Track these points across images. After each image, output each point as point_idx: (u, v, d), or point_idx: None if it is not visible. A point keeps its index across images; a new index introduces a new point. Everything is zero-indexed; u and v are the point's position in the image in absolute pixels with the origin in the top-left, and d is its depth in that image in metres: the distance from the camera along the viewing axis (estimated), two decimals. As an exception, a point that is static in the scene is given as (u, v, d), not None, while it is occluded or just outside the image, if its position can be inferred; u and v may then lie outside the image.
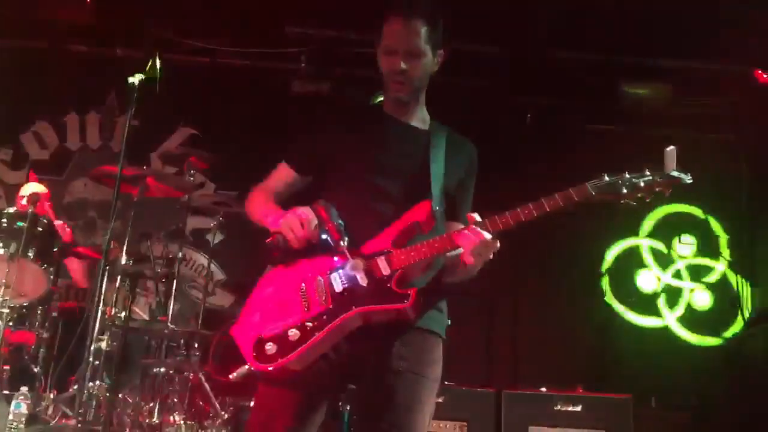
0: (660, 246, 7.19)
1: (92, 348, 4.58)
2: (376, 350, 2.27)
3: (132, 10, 6.30)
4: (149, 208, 6.43)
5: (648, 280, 7.14)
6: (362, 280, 2.19)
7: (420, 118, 2.54)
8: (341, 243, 2.19)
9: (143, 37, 6.49)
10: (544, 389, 5.38)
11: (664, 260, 7.17)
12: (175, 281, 5.01)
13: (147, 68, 4.53)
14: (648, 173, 2.15)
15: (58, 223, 5.36)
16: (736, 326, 6.83)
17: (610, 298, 7.00)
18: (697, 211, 7.15)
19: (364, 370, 2.28)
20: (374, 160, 2.40)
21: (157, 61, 4.82)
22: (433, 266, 2.34)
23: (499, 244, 2.19)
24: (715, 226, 7.17)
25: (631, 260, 7.15)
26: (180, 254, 5.08)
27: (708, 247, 7.13)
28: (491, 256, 2.21)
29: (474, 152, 2.56)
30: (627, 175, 2.15)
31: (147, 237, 5.33)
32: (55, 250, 5.10)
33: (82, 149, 7.26)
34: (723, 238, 7.15)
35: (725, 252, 7.10)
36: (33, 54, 7.03)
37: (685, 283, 7.11)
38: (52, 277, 5.00)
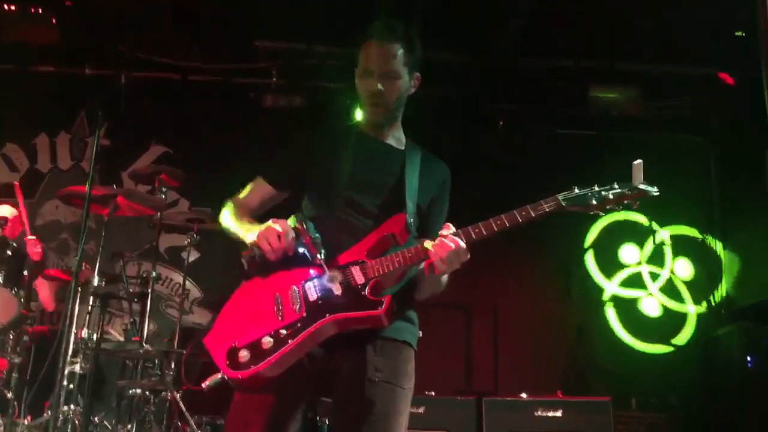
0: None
1: (66, 371, 4.53)
2: (352, 359, 2.29)
3: (99, 28, 6.25)
4: (121, 228, 6.41)
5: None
6: (337, 290, 2.23)
7: (396, 138, 2.60)
8: (318, 255, 2.24)
9: (111, 55, 6.47)
10: (524, 395, 5.40)
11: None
12: (149, 301, 4.96)
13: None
14: (617, 186, 2.23)
15: (30, 238, 5.26)
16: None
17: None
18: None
19: (340, 379, 2.31)
20: (350, 175, 2.44)
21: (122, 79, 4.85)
22: (407, 276, 2.37)
23: (469, 255, 2.23)
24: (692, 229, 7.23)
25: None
26: (154, 273, 5.03)
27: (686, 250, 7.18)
28: (459, 267, 2.24)
29: (447, 172, 2.61)
30: (596, 188, 2.24)
31: (119, 257, 5.28)
32: (25, 273, 5.03)
33: (53, 171, 7.19)
34: (698, 239, 7.20)
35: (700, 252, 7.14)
36: (1, 76, 6.97)
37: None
38: (22, 300, 4.92)
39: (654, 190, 2.22)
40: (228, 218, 2.51)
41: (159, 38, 6.46)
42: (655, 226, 7.17)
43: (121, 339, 5.54)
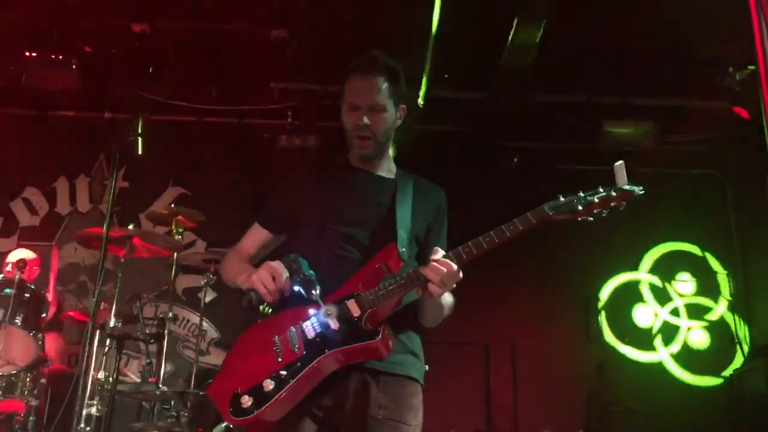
0: (658, 282, 7.16)
1: (83, 414, 4.52)
2: (354, 396, 2.27)
3: (118, 74, 6.38)
4: (139, 269, 6.45)
5: (645, 315, 7.08)
6: (334, 324, 2.22)
7: (386, 169, 2.61)
8: (313, 292, 2.24)
9: (130, 99, 6.58)
10: (545, 433, 5.31)
11: (662, 297, 7.13)
12: (165, 341, 4.96)
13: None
14: (601, 189, 2.19)
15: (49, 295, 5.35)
16: (735, 364, 6.77)
17: (607, 334, 6.92)
18: (694, 248, 7.14)
19: (343, 418, 2.27)
20: (341, 210, 2.45)
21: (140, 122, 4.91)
22: (402, 304, 2.36)
23: (461, 275, 2.22)
24: (713, 262, 7.15)
25: (629, 296, 7.10)
26: (170, 314, 5.04)
27: (707, 285, 7.09)
28: (454, 287, 2.24)
29: (442, 197, 2.60)
30: (581, 194, 2.20)
31: (137, 298, 5.30)
32: (43, 316, 5.05)
33: (73, 213, 7.27)
34: (722, 275, 7.11)
35: (725, 289, 7.06)
36: (21, 121, 7.12)
37: (683, 321, 7.05)
38: (40, 343, 4.94)
39: (639, 189, 2.18)
40: (227, 267, 2.54)
41: (175, 81, 6.56)
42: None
43: (138, 380, 5.54)
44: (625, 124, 6.39)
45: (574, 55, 6.09)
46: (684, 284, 7.13)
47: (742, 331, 6.86)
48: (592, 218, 2.20)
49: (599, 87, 6.49)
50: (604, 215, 2.20)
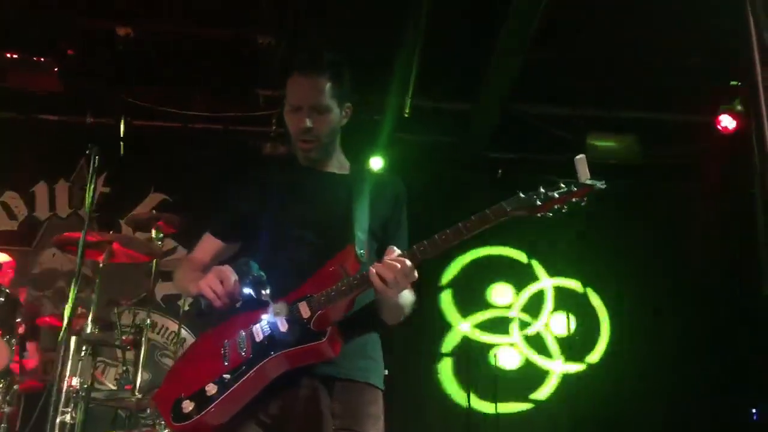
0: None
1: (57, 421, 4.43)
2: (306, 404, 2.18)
3: (100, 77, 6.31)
4: (118, 276, 6.36)
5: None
6: (282, 326, 2.15)
7: (338, 165, 2.53)
8: (263, 292, 2.16)
9: (112, 104, 6.52)
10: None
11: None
12: (143, 349, 4.88)
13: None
14: (562, 184, 2.12)
15: None
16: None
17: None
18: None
19: (293, 427, 2.18)
20: (293, 212, 2.37)
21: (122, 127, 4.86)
22: (357, 305, 2.27)
23: (416, 275, 2.14)
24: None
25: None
26: (148, 321, 4.96)
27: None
28: (407, 286, 2.16)
29: (399, 188, 2.52)
30: (541, 189, 2.12)
31: (115, 304, 5.22)
32: (18, 320, 4.95)
33: (52, 219, 7.18)
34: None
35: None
36: (1, 123, 7.01)
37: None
38: (14, 349, 4.84)
39: (600, 183, 2.09)
40: (178, 276, 2.47)
41: (160, 87, 6.51)
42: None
43: (114, 388, 5.44)
44: (609, 136, 6.42)
45: (560, 67, 6.11)
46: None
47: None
48: (551, 214, 2.12)
49: (583, 99, 6.52)
50: (564, 211, 2.12)
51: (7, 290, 4.96)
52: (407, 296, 2.31)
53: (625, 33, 5.60)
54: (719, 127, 6.20)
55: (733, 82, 5.93)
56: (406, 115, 6.56)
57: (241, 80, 6.50)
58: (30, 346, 5.50)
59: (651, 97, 6.36)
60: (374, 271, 2.11)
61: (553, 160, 6.78)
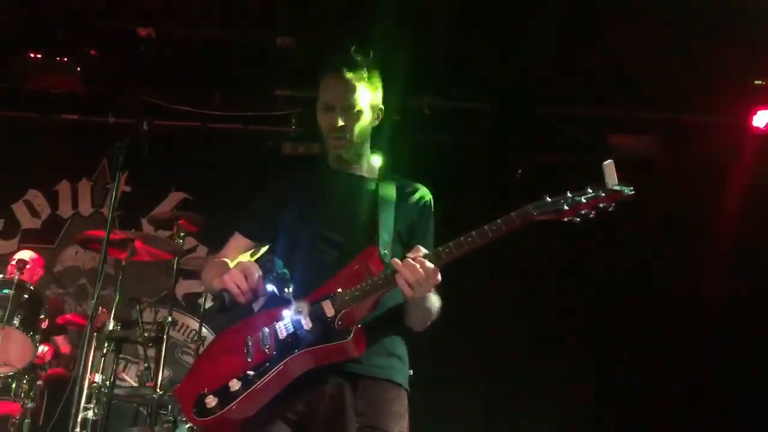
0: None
1: (79, 418, 4.48)
2: (330, 401, 2.19)
3: (122, 78, 6.37)
4: (139, 274, 6.42)
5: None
6: (306, 324, 2.15)
7: (368, 169, 2.56)
8: (286, 290, 2.16)
9: (134, 104, 6.57)
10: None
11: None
12: (164, 346, 4.92)
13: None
14: (590, 190, 2.10)
15: None
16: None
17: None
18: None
19: (318, 424, 2.19)
20: (321, 212, 2.39)
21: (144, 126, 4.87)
22: (383, 306, 2.28)
23: (439, 277, 2.13)
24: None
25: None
26: (169, 319, 5.00)
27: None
28: (431, 287, 2.15)
29: (427, 196, 2.53)
30: (569, 194, 2.10)
31: (136, 302, 5.27)
32: (41, 317, 5.02)
33: (74, 217, 7.26)
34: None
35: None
36: (25, 124, 7.11)
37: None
38: (38, 345, 4.90)
39: (629, 190, 2.07)
40: (205, 274, 2.48)
41: (180, 87, 6.56)
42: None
43: (136, 385, 5.50)
44: (630, 136, 6.37)
45: (580, 67, 6.08)
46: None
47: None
48: (578, 219, 2.11)
49: (605, 99, 6.47)
50: (591, 216, 2.10)
51: (32, 287, 5.02)
52: (434, 301, 2.31)
53: (650, 31, 5.55)
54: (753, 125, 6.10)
55: (758, 81, 5.87)
56: (426, 115, 6.55)
57: (260, 80, 6.53)
58: (60, 338, 5.59)
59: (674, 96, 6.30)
60: (398, 267, 2.11)
61: (574, 160, 6.74)
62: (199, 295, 5.92)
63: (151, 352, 5.26)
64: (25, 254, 5.57)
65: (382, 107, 2.50)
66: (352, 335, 2.12)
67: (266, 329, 2.20)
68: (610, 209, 2.09)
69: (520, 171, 7.06)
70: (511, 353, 6.56)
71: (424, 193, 2.54)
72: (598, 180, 2.11)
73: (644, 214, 6.03)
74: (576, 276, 6.56)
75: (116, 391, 4.63)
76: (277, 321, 2.20)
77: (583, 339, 6.52)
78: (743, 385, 6.29)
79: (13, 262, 5.36)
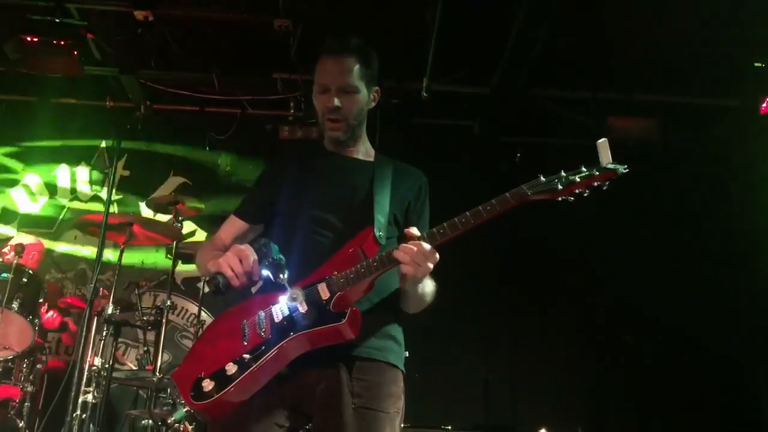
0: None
1: (78, 401, 4.51)
2: (326, 383, 2.20)
3: (120, 61, 6.34)
4: (138, 257, 6.44)
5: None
6: (302, 307, 2.16)
7: (362, 152, 2.56)
8: (280, 276, 2.16)
9: (132, 88, 6.55)
10: (543, 431, 5.28)
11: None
12: (163, 330, 4.94)
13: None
14: (584, 168, 2.11)
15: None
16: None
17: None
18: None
19: (315, 406, 2.21)
20: (314, 194, 2.40)
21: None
22: (378, 288, 2.28)
23: (438, 256, 2.14)
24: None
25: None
26: (169, 302, 5.02)
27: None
28: (431, 268, 2.15)
29: (422, 179, 2.55)
30: (563, 173, 2.11)
31: (135, 286, 5.28)
32: (41, 301, 5.03)
33: (73, 201, 7.24)
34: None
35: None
36: (23, 107, 7.09)
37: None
38: (37, 329, 4.92)
39: (623, 168, 2.09)
40: (200, 257, 2.48)
41: (178, 70, 6.53)
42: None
43: (135, 368, 5.52)
44: (630, 120, 6.34)
45: (579, 51, 6.05)
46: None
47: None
48: (572, 198, 2.11)
49: (603, 83, 6.44)
50: (585, 195, 2.11)
51: (31, 271, 5.02)
52: (428, 284, 2.32)
53: (647, 15, 5.52)
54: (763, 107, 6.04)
55: (757, 64, 5.84)
56: (424, 97, 6.51)
57: (258, 64, 6.50)
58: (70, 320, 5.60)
59: (672, 80, 6.27)
60: (394, 252, 2.12)
61: (573, 144, 6.73)
62: (197, 279, 5.93)
63: (151, 336, 5.28)
64: (24, 239, 5.57)
65: (378, 89, 2.50)
66: (347, 317, 2.12)
67: (262, 313, 2.21)
68: (605, 188, 2.10)
69: (519, 154, 7.05)
70: (511, 334, 6.62)
71: (419, 177, 2.55)
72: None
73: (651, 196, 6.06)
74: (577, 258, 6.57)
75: (115, 374, 4.64)
76: (273, 304, 2.21)
77: (584, 320, 6.57)
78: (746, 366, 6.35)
79: (10, 247, 5.35)
